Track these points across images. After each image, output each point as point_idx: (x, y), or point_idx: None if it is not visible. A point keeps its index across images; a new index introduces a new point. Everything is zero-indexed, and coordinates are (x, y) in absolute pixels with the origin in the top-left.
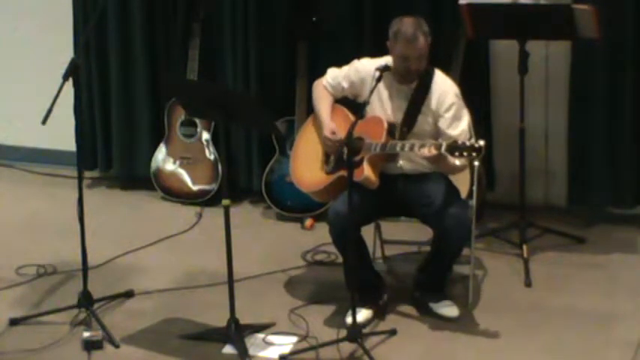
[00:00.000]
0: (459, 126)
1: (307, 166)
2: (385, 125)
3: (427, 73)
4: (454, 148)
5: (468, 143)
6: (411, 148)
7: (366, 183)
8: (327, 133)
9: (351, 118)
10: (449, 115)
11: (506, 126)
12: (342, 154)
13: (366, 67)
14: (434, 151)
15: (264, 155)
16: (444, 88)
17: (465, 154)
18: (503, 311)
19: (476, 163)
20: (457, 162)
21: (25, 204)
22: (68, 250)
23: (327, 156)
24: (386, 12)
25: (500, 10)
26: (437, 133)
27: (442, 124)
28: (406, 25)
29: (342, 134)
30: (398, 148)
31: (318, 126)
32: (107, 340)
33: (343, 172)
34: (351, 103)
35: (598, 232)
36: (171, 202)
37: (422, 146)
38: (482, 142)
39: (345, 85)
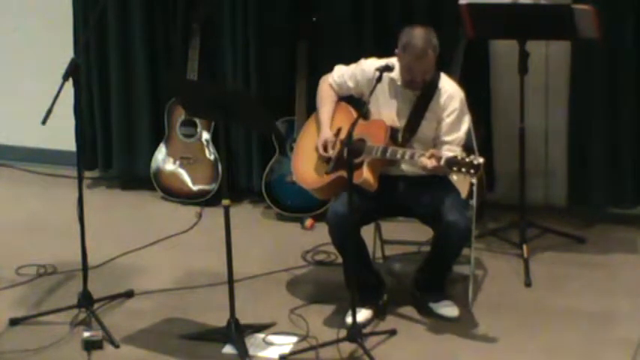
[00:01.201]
0: (456, 133)
1: (308, 164)
2: (388, 129)
3: (432, 79)
4: (453, 162)
5: (467, 159)
6: (412, 157)
7: (364, 185)
8: (319, 143)
9: (354, 115)
10: (449, 120)
11: (506, 126)
12: (342, 155)
13: (372, 67)
14: (434, 163)
15: (264, 155)
16: (450, 92)
17: (463, 169)
18: (503, 311)
19: (473, 180)
20: (454, 177)
21: (25, 204)
22: (68, 250)
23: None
24: (386, 12)
25: (500, 10)
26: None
27: (440, 127)
28: (417, 38)
29: (341, 137)
30: (398, 155)
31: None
32: (107, 340)
33: (342, 173)
34: (357, 101)
35: (598, 232)
36: (171, 202)
37: (421, 156)
38: (481, 160)
39: (351, 84)
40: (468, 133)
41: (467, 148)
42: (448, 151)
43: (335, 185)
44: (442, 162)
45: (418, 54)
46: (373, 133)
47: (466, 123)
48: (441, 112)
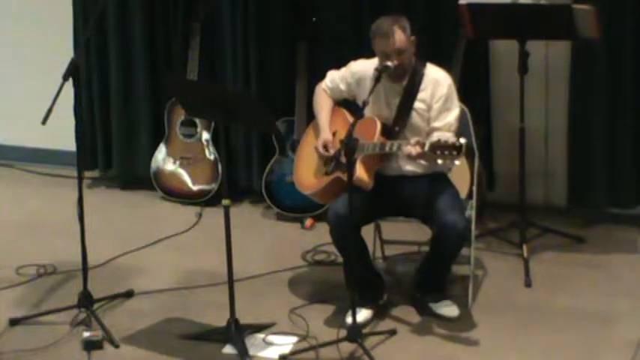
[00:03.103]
0: (445, 118)
1: (307, 169)
2: (378, 125)
3: (418, 69)
4: (436, 146)
5: (449, 142)
6: (399, 148)
7: (359, 184)
8: (319, 144)
9: (350, 119)
10: (437, 105)
11: (506, 126)
12: (339, 156)
13: (361, 68)
14: (418, 149)
15: (264, 155)
16: (436, 79)
17: (446, 152)
18: (503, 311)
19: (456, 162)
20: (439, 161)
21: (25, 204)
22: (68, 250)
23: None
24: (386, 12)
25: (500, 10)
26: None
27: (430, 114)
28: (381, 22)
29: (341, 137)
30: (387, 148)
31: (318, 131)
32: (107, 340)
33: (339, 174)
34: (352, 104)
35: (598, 232)
36: (171, 202)
37: (407, 144)
38: (462, 141)
39: (343, 87)
40: (461, 120)
41: (462, 136)
42: (436, 138)
43: (333, 187)
44: (426, 148)
45: (384, 33)
46: (365, 131)
47: (456, 108)
48: (430, 99)
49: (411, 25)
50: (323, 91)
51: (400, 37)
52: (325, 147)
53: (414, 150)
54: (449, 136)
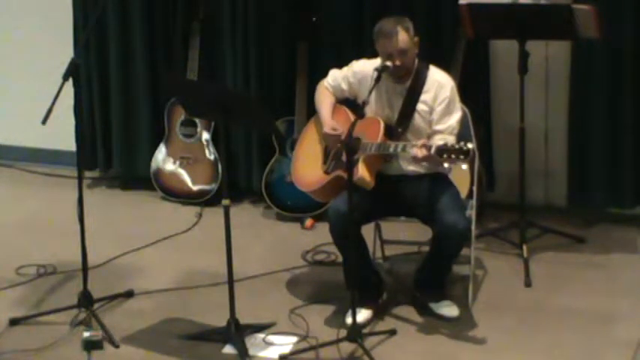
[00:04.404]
0: (448, 121)
1: (307, 166)
2: (382, 126)
3: (421, 71)
4: (443, 150)
5: (457, 146)
6: (404, 149)
7: (360, 183)
8: (327, 129)
9: (352, 118)
10: (440, 108)
11: (506, 126)
12: (340, 154)
13: (363, 67)
14: (424, 152)
15: (264, 155)
16: (439, 81)
17: (452, 156)
18: (503, 311)
19: (463, 166)
20: (445, 164)
21: (25, 204)
22: (68, 250)
23: (325, 156)
24: (386, 12)
25: (500, 10)
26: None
27: (433, 116)
28: (384, 22)
29: (342, 132)
30: (391, 149)
31: (320, 126)
32: (107, 340)
33: (340, 172)
34: (352, 104)
35: (598, 232)
36: (171, 202)
37: (413, 147)
38: (470, 145)
39: (344, 86)
40: (462, 123)
41: (462, 137)
42: (440, 141)
43: (333, 185)
44: (432, 151)
45: (387, 33)
46: (368, 131)
47: (458, 111)
48: (433, 101)
49: (414, 26)
50: (325, 89)
51: (403, 37)
52: (334, 129)
53: (420, 152)
54: (452, 140)
